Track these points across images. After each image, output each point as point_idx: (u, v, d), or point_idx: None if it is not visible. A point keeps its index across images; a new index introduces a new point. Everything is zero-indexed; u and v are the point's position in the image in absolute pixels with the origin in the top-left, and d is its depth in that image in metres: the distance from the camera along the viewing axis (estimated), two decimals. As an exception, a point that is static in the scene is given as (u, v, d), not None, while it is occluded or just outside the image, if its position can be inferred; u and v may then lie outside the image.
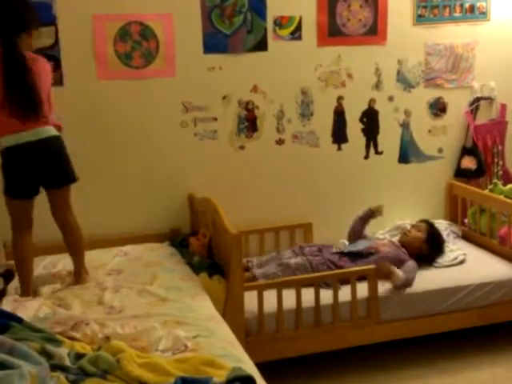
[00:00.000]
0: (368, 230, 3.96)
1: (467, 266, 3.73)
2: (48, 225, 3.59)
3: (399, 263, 3.56)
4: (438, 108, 4.24)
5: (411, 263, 3.58)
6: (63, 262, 3.34)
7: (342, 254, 3.63)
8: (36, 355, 1.92)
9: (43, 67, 2.95)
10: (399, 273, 3.42)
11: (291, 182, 4.02)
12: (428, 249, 3.73)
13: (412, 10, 4.04)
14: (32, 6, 3.00)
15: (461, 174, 4.30)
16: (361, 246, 3.71)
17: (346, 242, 3.88)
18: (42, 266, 3.33)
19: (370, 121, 4.13)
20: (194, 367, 2.11)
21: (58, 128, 3.05)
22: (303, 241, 3.96)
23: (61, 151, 3.02)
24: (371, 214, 3.90)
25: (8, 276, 3.16)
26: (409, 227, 3.98)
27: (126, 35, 3.58)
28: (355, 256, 3.60)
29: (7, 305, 2.73)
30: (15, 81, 2.80)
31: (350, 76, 4.01)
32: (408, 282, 3.45)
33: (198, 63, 3.73)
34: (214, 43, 3.73)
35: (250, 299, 3.15)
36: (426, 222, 3.90)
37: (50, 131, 2.95)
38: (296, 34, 3.86)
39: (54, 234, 3.45)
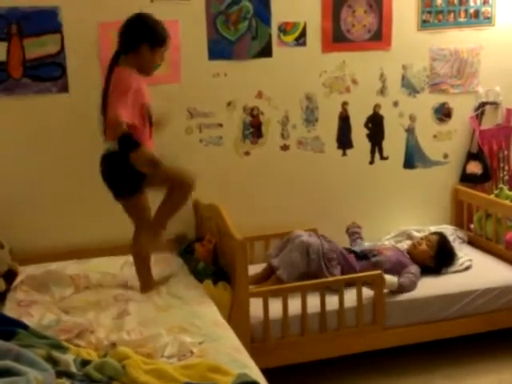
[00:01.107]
0: (373, 236, 3.97)
1: (473, 271, 3.72)
2: (51, 230, 3.63)
3: (400, 268, 3.55)
4: (443, 113, 4.24)
5: (414, 268, 3.57)
6: (70, 270, 3.32)
7: (347, 250, 3.63)
8: (42, 362, 1.93)
9: (114, 78, 2.99)
10: (391, 280, 3.40)
11: (296, 188, 4.02)
12: (434, 263, 3.70)
13: (416, 15, 4.05)
14: (155, 25, 3.07)
15: (466, 179, 4.29)
16: (366, 246, 3.71)
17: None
18: (47, 271, 3.32)
19: (375, 126, 4.13)
20: (200, 373, 2.11)
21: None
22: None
23: (105, 167, 3.07)
24: (355, 230, 3.90)
25: (10, 276, 3.15)
26: (418, 234, 3.98)
27: (132, 42, 3.59)
28: (360, 255, 3.61)
29: (11, 311, 2.73)
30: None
31: (354, 82, 4.02)
32: (404, 287, 3.44)
33: (203, 69, 3.74)
34: (219, 49, 3.74)
35: (255, 305, 3.15)
36: (439, 235, 3.82)
37: (107, 146, 3.01)
38: (300, 40, 3.87)
39: (58, 240, 3.49)
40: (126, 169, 2.96)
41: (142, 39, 3.01)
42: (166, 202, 3.12)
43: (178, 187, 3.06)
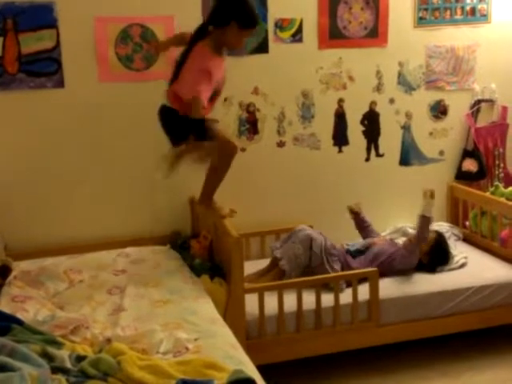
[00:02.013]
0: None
1: (468, 268, 3.72)
2: (45, 225, 3.62)
3: (390, 256, 3.56)
4: (439, 110, 4.24)
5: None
6: (65, 265, 3.32)
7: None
8: (37, 357, 1.93)
9: (196, 53, 3.09)
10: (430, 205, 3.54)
11: (292, 185, 4.02)
12: (428, 260, 3.69)
13: (413, 12, 4.05)
14: (250, 8, 3.16)
15: (462, 176, 4.30)
16: (358, 244, 3.71)
17: (345, 244, 3.87)
18: (42, 267, 3.31)
19: (371, 123, 4.13)
20: (195, 370, 2.11)
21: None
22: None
23: (168, 119, 3.21)
24: (353, 213, 3.90)
25: (4, 272, 3.14)
26: (414, 231, 3.97)
27: (127, 37, 3.59)
28: (354, 254, 3.61)
29: (5, 307, 2.71)
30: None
31: (350, 78, 4.02)
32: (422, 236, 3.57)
33: (199, 65, 3.73)
34: (215, 46, 3.73)
35: (251, 301, 3.15)
36: (437, 233, 3.80)
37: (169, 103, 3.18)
38: (297, 37, 3.87)
39: (52, 236, 3.47)
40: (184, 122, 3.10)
41: (232, 16, 3.06)
42: (212, 171, 3.29)
43: (222, 149, 3.19)
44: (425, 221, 3.53)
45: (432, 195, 3.55)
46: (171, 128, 3.21)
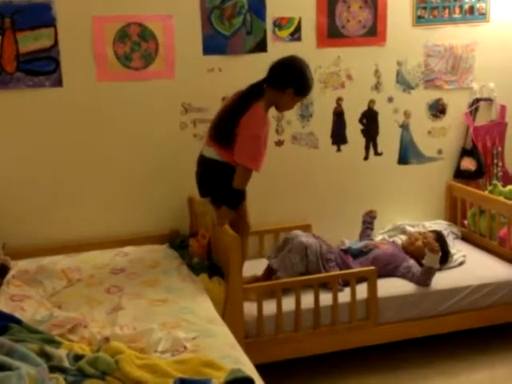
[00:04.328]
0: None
1: (467, 267, 3.73)
2: (43, 225, 3.62)
3: (395, 261, 3.55)
4: (438, 109, 4.24)
5: (412, 263, 3.57)
6: (63, 264, 3.32)
7: (343, 251, 3.63)
8: (35, 356, 1.92)
9: (252, 114, 3.13)
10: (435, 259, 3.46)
11: (290, 184, 4.01)
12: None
13: (411, 11, 4.05)
14: (309, 78, 3.26)
15: (460, 175, 4.30)
16: (360, 244, 3.71)
17: (346, 241, 3.87)
18: (40, 266, 3.31)
19: (370, 122, 4.13)
20: (193, 368, 2.11)
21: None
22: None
23: (210, 173, 3.28)
24: (367, 219, 3.90)
25: (2, 271, 3.14)
26: (412, 229, 3.97)
27: (126, 36, 3.58)
28: (355, 253, 3.60)
29: (3, 306, 2.71)
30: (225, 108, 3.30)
31: (349, 77, 4.01)
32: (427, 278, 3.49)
33: (198, 64, 3.73)
34: (214, 44, 3.73)
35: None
36: (437, 233, 3.78)
37: (214, 155, 3.23)
38: (296, 35, 3.86)
39: (51, 235, 3.47)
40: (223, 179, 3.18)
41: (291, 83, 3.19)
42: None
43: (240, 226, 3.24)
44: (431, 272, 3.48)
45: (434, 250, 3.47)
46: (208, 183, 3.28)
